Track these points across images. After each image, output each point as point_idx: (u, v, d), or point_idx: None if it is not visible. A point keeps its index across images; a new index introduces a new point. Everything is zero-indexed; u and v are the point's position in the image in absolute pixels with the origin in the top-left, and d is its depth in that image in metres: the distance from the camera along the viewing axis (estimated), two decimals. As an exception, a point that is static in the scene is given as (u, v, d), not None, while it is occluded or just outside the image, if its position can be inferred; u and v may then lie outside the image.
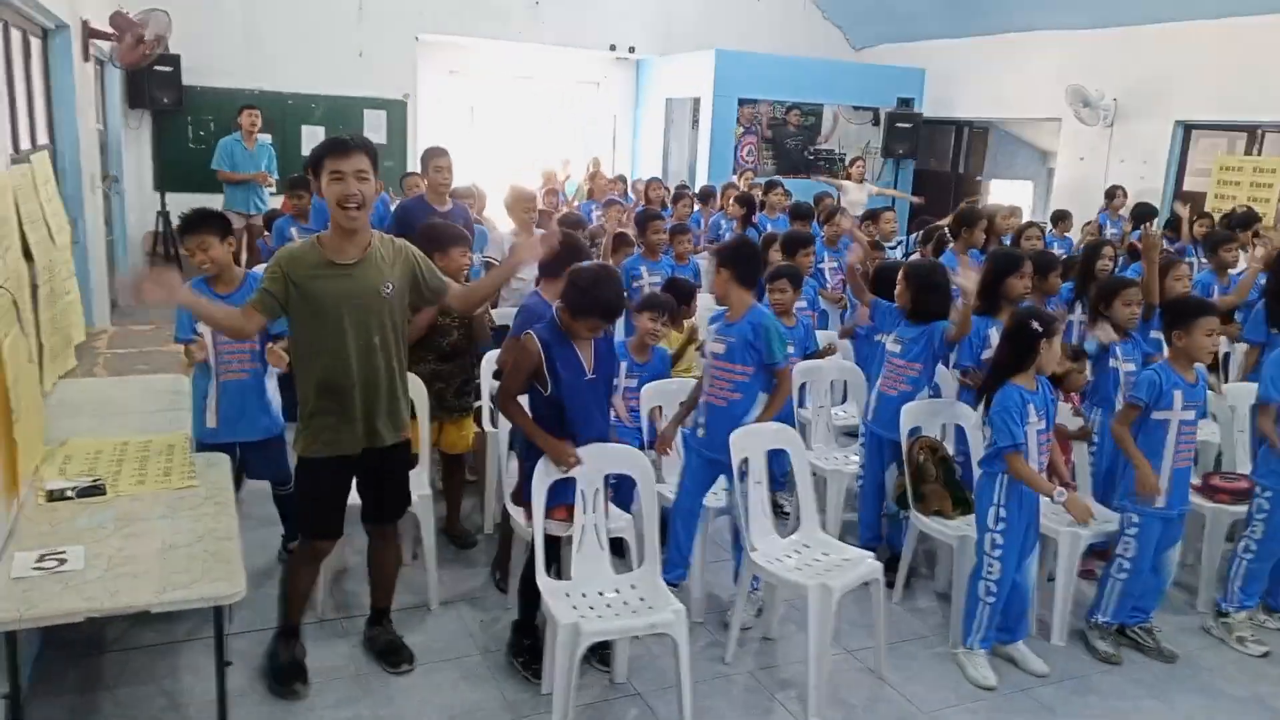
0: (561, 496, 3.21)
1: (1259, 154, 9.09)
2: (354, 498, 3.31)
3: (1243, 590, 3.93)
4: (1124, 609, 3.77)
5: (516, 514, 3.54)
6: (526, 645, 3.40)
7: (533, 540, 3.16)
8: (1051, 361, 3.47)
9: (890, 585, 3.96)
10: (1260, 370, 4.08)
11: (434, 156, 5.59)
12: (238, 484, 4.22)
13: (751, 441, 3.57)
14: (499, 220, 6.69)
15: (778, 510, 4.26)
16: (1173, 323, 3.66)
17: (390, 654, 3.43)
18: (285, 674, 3.21)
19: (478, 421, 4.58)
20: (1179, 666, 3.73)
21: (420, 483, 3.89)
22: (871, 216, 7.32)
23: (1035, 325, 3.43)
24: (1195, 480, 4.21)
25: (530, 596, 3.30)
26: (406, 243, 3.21)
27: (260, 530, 4.17)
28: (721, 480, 3.77)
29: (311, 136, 10.08)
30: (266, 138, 9.21)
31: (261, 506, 4.21)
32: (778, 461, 3.79)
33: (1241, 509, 4.15)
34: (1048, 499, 3.48)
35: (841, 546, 3.61)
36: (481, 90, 12.20)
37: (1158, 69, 9.46)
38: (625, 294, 5.57)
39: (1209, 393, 4.54)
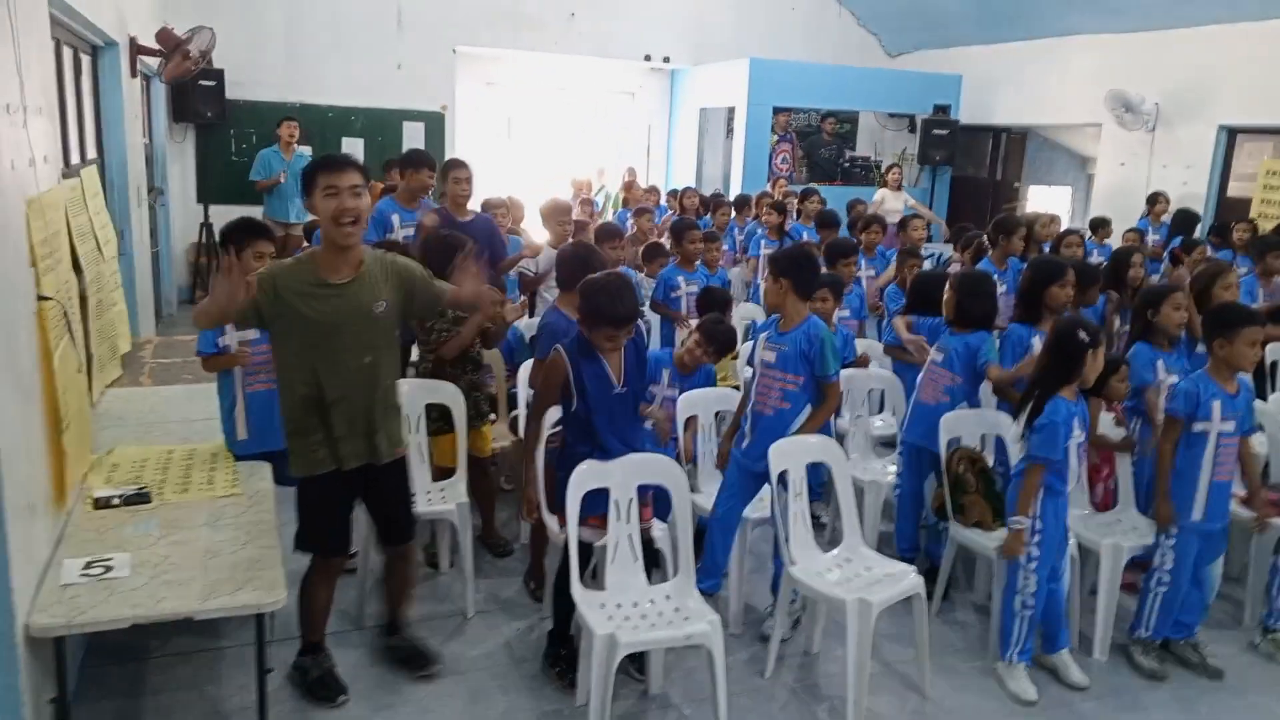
0: (594, 507, 3.22)
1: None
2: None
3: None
4: (1166, 623, 3.71)
5: (550, 522, 3.56)
6: (562, 654, 3.42)
7: (566, 549, 3.17)
8: (1094, 373, 3.43)
9: (929, 597, 3.92)
10: None
11: (453, 169, 5.48)
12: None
13: (793, 453, 3.55)
14: (534, 231, 6.73)
15: (814, 521, 4.24)
16: (1215, 331, 3.59)
17: (414, 659, 3.45)
18: (322, 686, 3.23)
19: (514, 430, 4.61)
20: (1225, 683, 3.65)
21: (457, 492, 3.93)
22: (901, 225, 7.26)
23: (1083, 336, 3.40)
24: (1240, 492, 4.13)
25: (565, 605, 3.31)
26: (397, 256, 3.19)
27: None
28: (764, 490, 3.75)
29: (351, 149, 10.18)
30: (306, 150, 9.37)
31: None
32: (813, 473, 3.77)
33: (1291, 522, 4.06)
34: (1080, 510, 3.45)
35: (884, 560, 3.57)
36: (518, 101, 12.30)
37: (1200, 72, 9.30)
38: (664, 303, 5.60)
39: (1259, 403, 4.46)
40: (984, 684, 3.57)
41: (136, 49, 6.73)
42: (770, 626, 3.67)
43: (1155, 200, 9.02)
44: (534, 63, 11.86)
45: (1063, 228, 7.39)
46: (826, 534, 4.45)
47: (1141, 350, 4.09)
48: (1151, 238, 8.64)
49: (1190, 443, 3.57)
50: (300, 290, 2.93)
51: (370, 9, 10.31)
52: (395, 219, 5.50)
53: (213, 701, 3.20)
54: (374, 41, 10.35)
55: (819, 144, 11.70)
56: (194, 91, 9.15)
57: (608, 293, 3.11)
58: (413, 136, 10.50)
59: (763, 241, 7.72)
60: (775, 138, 11.33)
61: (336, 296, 2.96)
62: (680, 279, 5.73)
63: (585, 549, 3.26)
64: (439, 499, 3.89)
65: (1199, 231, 8.38)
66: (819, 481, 4.01)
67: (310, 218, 8.49)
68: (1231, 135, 9.38)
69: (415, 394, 3.89)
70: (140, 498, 3.14)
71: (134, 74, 6.72)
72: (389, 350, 3.13)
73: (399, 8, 10.45)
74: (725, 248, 7.53)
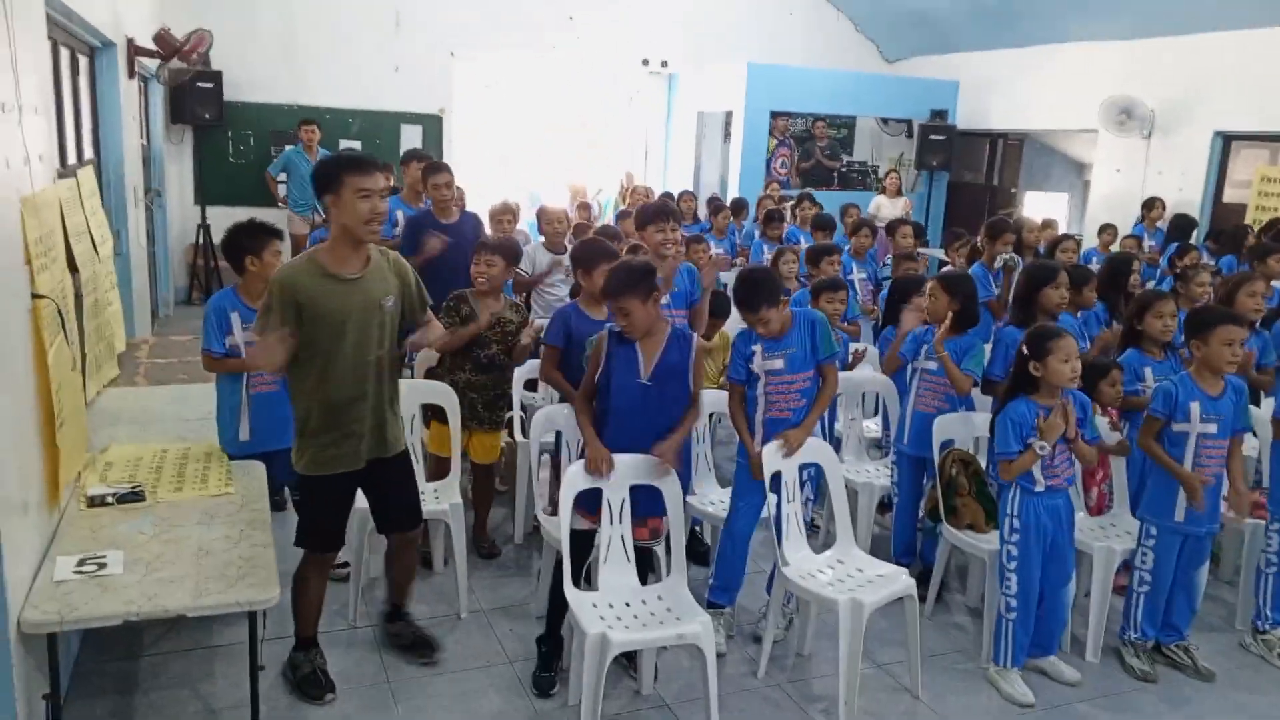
0: (585, 506, 3.24)
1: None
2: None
3: (1275, 607, 3.86)
4: (1153, 624, 3.72)
5: (549, 524, 3.57)
6: (543, 651, 3.43)
7: (560, 550, 3.18)
8: (1059, 380, 3.38)
9: (922, 599, 3.92)
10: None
11: (433, 174, 5.41)
12: (279, 494, 4.24)
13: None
14: (531, 233, 6.77)
15: (808, 525, 4.24)
16: (1191, 332, 3.60)
17: (419, 647, 3.50)
18: (311, 684, 3.23)
19: (510, 432, 4.62)
20: (1217, 685, 3.66)
21: (451, 491, 3.94)
22: (888, 230, 7.25)
23: (1023, 348, 3.43)
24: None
25: (556, 604, 3.33)
26: (399, 256, 3.25)
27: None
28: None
29: (349, 150, 10.23)
30: (327, 153, 9.45)
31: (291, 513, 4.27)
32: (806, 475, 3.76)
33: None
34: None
35: (876, 563, 3.58)
36: (516, 104, 12.31)
37: (1195, 79, 9.33)
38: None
39: (1253, 407, 4.46)
40: (977, 685, 3.58)
41: (134, 50, 6.74)
42: (763, 627, 3.67)
43: (1151, 206, 9.06)
44: (532, 66, 11.87)
45: (1059, 234, 7.41)
46: (820, 536, 4.46)
47: (1130, 357, 4.11)
48: (1148, 243, 8.67)
49: (1172, 442, 3.58)
50: (314, 287, 2.96)
51: (368, 11, 10.33)
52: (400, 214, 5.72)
53: (206, 699, 3.20)
54: (371, 43, 10.36)
55: (818, 149, 11.71)
56: (192, 93, 9.16)
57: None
58: (410, 139, 10.51)
59: (764, 246, 7.73)
60: (774, 142, 11.35)
61: (348, 291, 3.00)
62: None
63: (583, 548, 3.27)
64: (433, 499, 3.90)
65: (1195, 237, 8.40)
66: (814, 485, 4.00)
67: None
68: (1227, 142, 9.42)
69: (410, 393, 3.89)
70: (134, 496, 3.14)
71: (131, 75, 6.73)
72: (393, 345, 3.18)
73: (396, 10, 10.46)
74: (723, 250, 7.54)
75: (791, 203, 9.15)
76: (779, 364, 3.59)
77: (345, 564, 3.81)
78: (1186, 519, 3.59)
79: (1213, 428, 3.55)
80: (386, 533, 3.43)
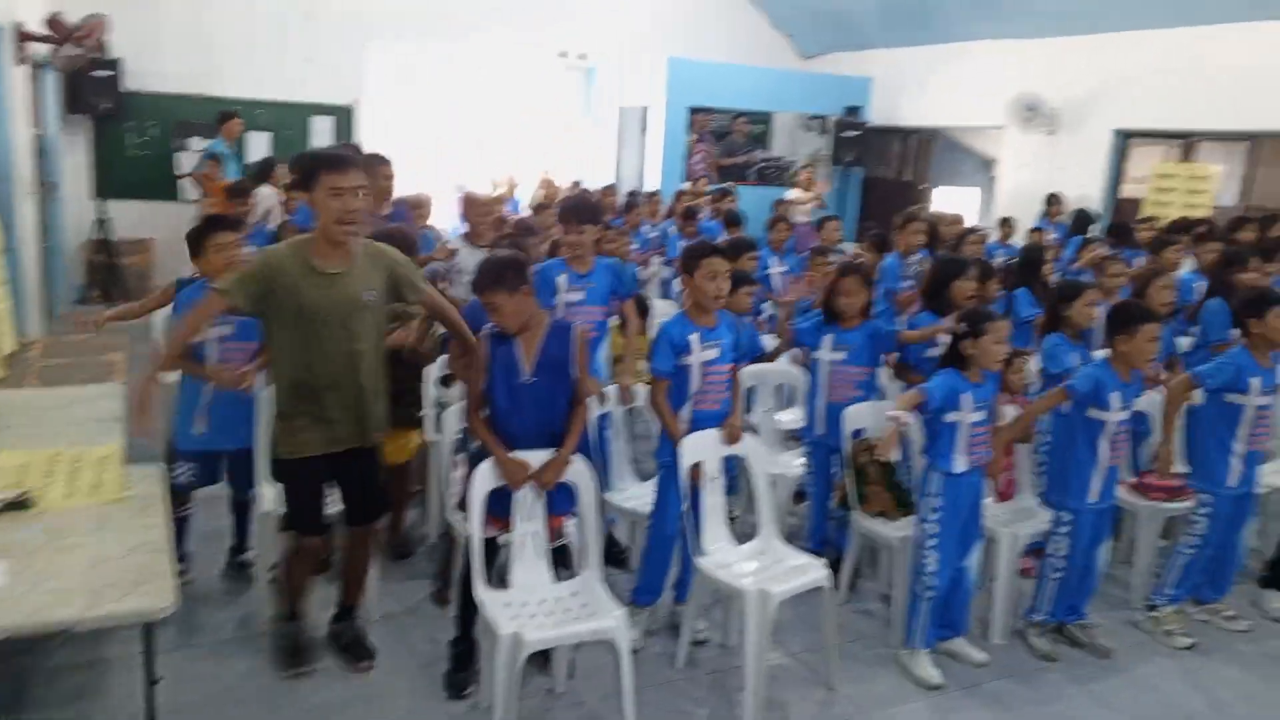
0: (496, 508, 3.20)
1: (1193, 162, 9.34)
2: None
3: (1175, 585, 4.03)
4: (1060, 606, 3.85)
5: (457, 521, 3.51)
6: (455, 652, 3.38)
7: (469, 549, 3.13)
8: (988, 360, 3.52)
9: (835, 586, 3.98)
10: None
11: (379, 164, 5.39)
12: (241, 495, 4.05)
13: (706, 445, 3.57)
14: (443, 227, 6.66)
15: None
16: (1118, 328, 3.72)
17: (354, 649, 3.46)
18: (287, 654, 3.32)
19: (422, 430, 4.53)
20: (1114, 661, 3.81)
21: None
22: (819, 225, 7.41)
23: (961, 326, 3.55)
24: (1131, 479, 4.31)
25: (467, 604, 3.29)
26: (385, 247, 3.25)
27: (209, 543, 4.06)
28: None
29: (257, 142, 9.92)
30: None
31: (210, 521, 4.10)
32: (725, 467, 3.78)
33: (1175, 506, 4.24)
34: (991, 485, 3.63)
35: (795, 553, 3.61)
36: (430, 96, 12.11)
37: (1097, 78, 9.68)
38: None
39: (1147, 391, 4.65)
40: (888, 670, 3.65)
41: (23, 35, 6.43)
42: (680, 616, 3.68)
43: (1053, 201, 9.40)
44: (447, 58, 11.69)
45: (965, 227, 7.62)
46: (737, 527, 4.48)
47: (1059, 341, 4.21)
48: (1052, 236, 8.96)
49: (1089, 429, 3.69)
50: (294, 279, 2.97)
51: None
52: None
53: (99, 715, 3.06)
54: (281, 33, 10.05)
55: (735, 145, 11.79)
56: (88, 82, 8.77)
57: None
58: (321, 131, 10.27)
59: (678, 242, 7.75)
60: (694, 137, 11.39)
61: (330, 285, 3.01)
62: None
63: (492, 548, 3.23)
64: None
65: (1095, 230, 8.72)
66: (732, 475, 4.02)
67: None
68: (1125, 139, 9.79)
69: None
70: (20, 504, 2.98)
71: (21, 61, 6.41)
72: (377, 337, 3.20)
73: (308, -1, 10.19)
74: (635, 246, 7.58)
75: (713, 196, 9.20)
76: (715, 353, 3.62)
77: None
78: (1100, 498, 3.73)
79: (1126, 414, 3.71)
80: (352, 524, 3.40)
